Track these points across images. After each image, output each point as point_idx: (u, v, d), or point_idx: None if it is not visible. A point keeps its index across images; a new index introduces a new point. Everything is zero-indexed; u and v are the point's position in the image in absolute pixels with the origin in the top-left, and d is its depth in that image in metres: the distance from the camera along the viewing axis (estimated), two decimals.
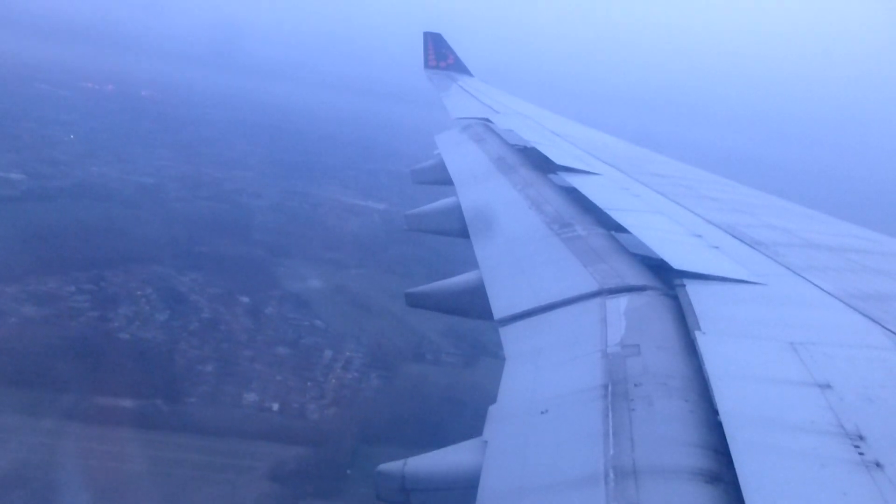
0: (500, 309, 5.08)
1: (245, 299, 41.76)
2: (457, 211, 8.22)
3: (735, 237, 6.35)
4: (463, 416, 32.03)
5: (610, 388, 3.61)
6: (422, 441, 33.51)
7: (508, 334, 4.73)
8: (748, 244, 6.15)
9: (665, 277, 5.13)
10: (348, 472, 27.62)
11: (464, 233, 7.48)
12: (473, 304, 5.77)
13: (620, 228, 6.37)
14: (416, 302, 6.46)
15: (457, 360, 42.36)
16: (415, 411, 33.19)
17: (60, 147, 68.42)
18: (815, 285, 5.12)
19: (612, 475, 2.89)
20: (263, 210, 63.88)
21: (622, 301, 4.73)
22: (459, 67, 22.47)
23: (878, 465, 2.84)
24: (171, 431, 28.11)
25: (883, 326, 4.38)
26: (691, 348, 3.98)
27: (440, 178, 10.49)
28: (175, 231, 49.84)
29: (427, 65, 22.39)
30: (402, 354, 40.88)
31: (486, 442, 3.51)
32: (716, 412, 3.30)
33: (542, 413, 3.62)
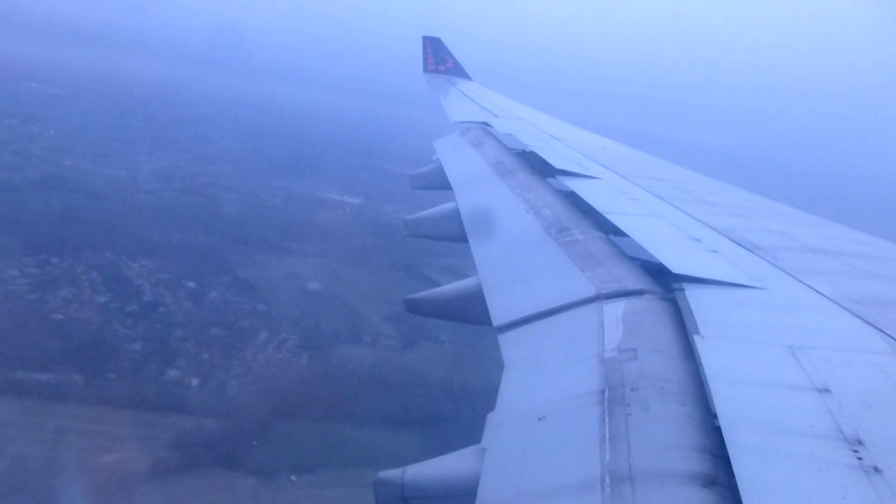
0: (498, 316, 5.08)
1: (191, 284, 42.00)
2: (455, 216, 8.22)
3: (734, 241, 6.35)
4: (381, 395, 34.33)
5: (606, 392, 3.61)
6: (333, 416, 31.57)
7: (507, 341, 4.73)
8: (747, 248, 6.15)
9: (663, 281, 5.13)
10: (254, 443, 28.14)
11: (463, 238, 7.48)
12: (472, 310, 5.77)
13: (619, 232, 6.37)
14: (414, 308, 6.46)
15: (395, 344, 42.67)
16: (335, 389, 33.90)
17: (38, 142, 68.34)
18: (814, 290, 5.12)
19: (607, 480, 2.89)
20: (233, 202, 64.03)
21: (619, 305, 4.73)
22: (458, 71, 22.49)
23: (876, 469, 2.83)
24: (82, 404, 28.44)
25: (881, 331, 4.38)
26: (688, 352, 3.98)
27: (439, 184, 10.48)
28: (136, 221, 50.04)
29: (426, 69, 22.41)
30: (339, 337, 41.24)
31: (484, 449, 3.51)
32: (713, 416, 3.30)
33: (539, 419, 3.62)
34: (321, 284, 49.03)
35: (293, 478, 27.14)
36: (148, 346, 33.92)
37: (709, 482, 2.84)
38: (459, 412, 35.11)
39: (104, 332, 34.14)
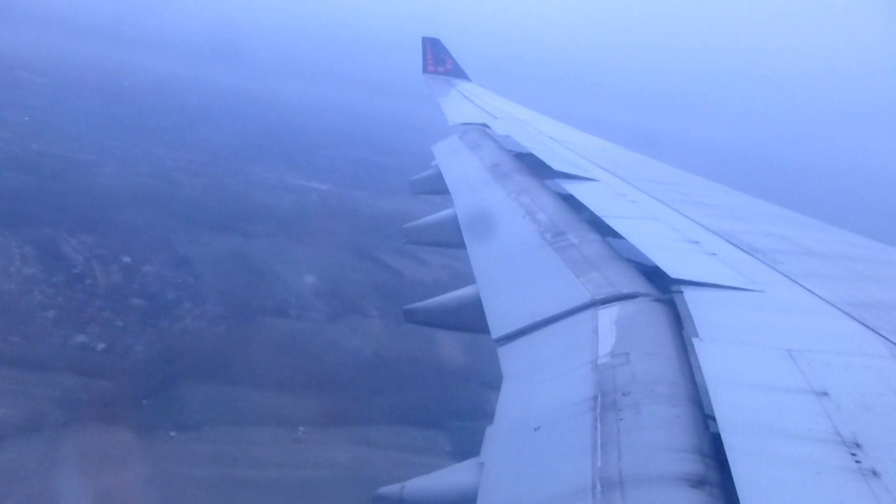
0: (496, 328, 5.08)
1: (126, 259, 42.35)
2: (453, 223, 8.21)
3: (732, 244, 6.36)
4: (286, 361, 35.21)
5: (599, 399, 3.62)
6: (231, 380, 32.31)
7: (504, 353, 4.73)
8: (746, 251, 6.16)
9: (661, 283, 5.14)
10: (143, 402, 28.79)
11: (461, 244, 7.48)
12: (470, 319, 5.78)
13: (617, 235, 6.37)
14: (413, 318, 6.46)
15: (321, 317, 43.37)
16: (242, 356, 34.63)
17: (10, 127, 68.08)
18: (813, 293, 5.12)
19: (598, 487, 2.90)
20: (195, 186, 64.10)
21: (613, 310, 4.73)
22: (457, 72, 22.50)
23: (874, 472, 2.84)
24: None
25: (880, 334, 4.39)
26: (680, 353, 3.99)
27: (438, 188, 10.47)
28: (88, 200, 50.14)
29: (425, 69, 22.41)
30: (265, 310, 41.85)
31: (482, 463, 3.53)
32: (707, 417, 3.31)
33: (534, 430, 3.63)
34: (261, 262, 49.62)
35: (173, 433, 27.68)
36: (63, 314, 34.31)
37: (698, 482, 2.84)
38: (359, 379, 36.34)
39: (21, 301, 34.71)
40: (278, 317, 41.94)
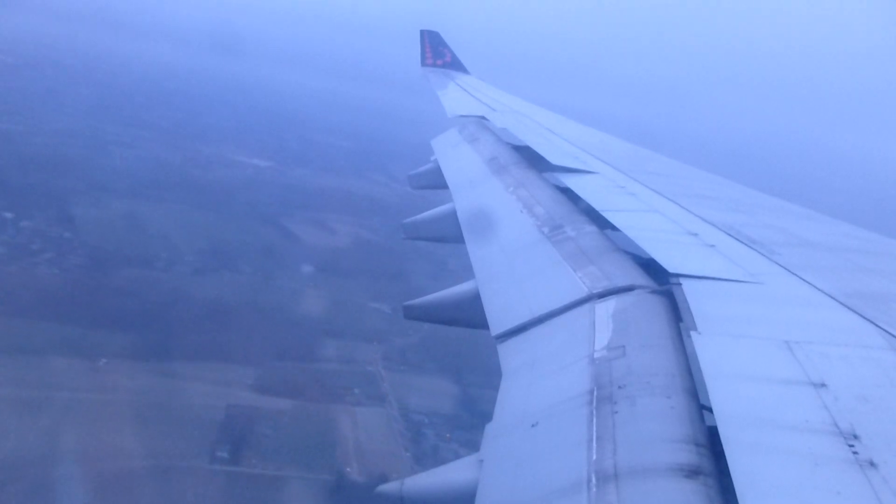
0: (495, 325, 5.08)
1: (9, 214, 43.76)
2: (452, 218, 8.19)
3: (731, 236, 6.34)
4: (122, 304, 37.33)
5: (595, 392, 3.63)
6: (55, 317, 35.85)
7: (503, 350, 4.74)
8: (745, 243, 6.14)
9: (658, 275, 5.13)
10: None
11: (460, 239, 7.47)
12: (470, 315, 5.78)
13: (615, 229, 6.36)
14: (412, 314, 6.47)
15: (187, 271, 44.97)
16: (79, 297, 36.69)
17: None
18: (811, 285, 5.12)
19: (593, 480, 2.91)
20: (123, 157, 64.99)
21: (610, 304, 4.74)
22: (456, 65, 22.41)
23: (871, 463, 2.84)
24: None
25: (878, 326, 4.38)
26: (677, 345, 4.00)
27: (438, 183, 10.44)
28: None
29: (424, 62, 22.32)
30: (130, 262, 43.18)
31: (481, 460, 3.55)
32: (704, 408, 3.32)
33: (532, 426, 3.64)
34: (155, 223, 50.64)
35: None
36: None
37: (692, 472, 2.84)
38: (188, 322, 38.25)
39: None
40: (141, 268, 43.45)
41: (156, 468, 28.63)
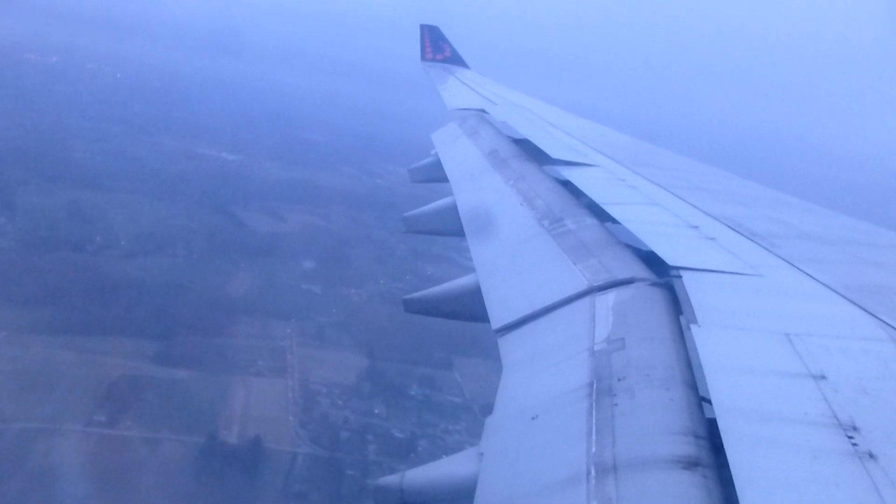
0: (496, 318, 5.07)
1: None
2: (452, 211, 8.18)
3: (732, 229, 6.33)
4: (38, 280, 38.96)
5: (595, 385, 3.63)
6: None
7: (504, 344, 4.73)
8: (745, 236, 6.13)
9: (658, 267, 5.12)
10: None
11: (461, 233, 7.46)
12: (471, 308, 5.77)
13: (615, 221, 6.35)
14: (412, 307, 6.46)
15: (118, 253, 46.47)
16: None
17: None
18: (812, 277, 5.11)
19: (592, 472, 2.91)
20: (87, 151, 65.74)
21: (610, 296, 4.72)
22: (456, 60, 22.33)
23: (871, 455, 2.83)
24: None
25: (878, 318, 4.38)
26: (676, 337, 3.99)
27: (438, 176, 10.42)
28: None
29: (423, 57, 22.25)
30: (59, 245, 44.72)
31: (482, 453, 3.55)
32: (703, 401, 3.31)
33: (532, 419, 3.65)
34: (98, 211, 51.64)
35: None
36: None
37: (691, 464, 2.84)
38: (101, 298, 39.74)
39: None
40: (70, 251, 44.79)
41: (27, 430, 29.92)
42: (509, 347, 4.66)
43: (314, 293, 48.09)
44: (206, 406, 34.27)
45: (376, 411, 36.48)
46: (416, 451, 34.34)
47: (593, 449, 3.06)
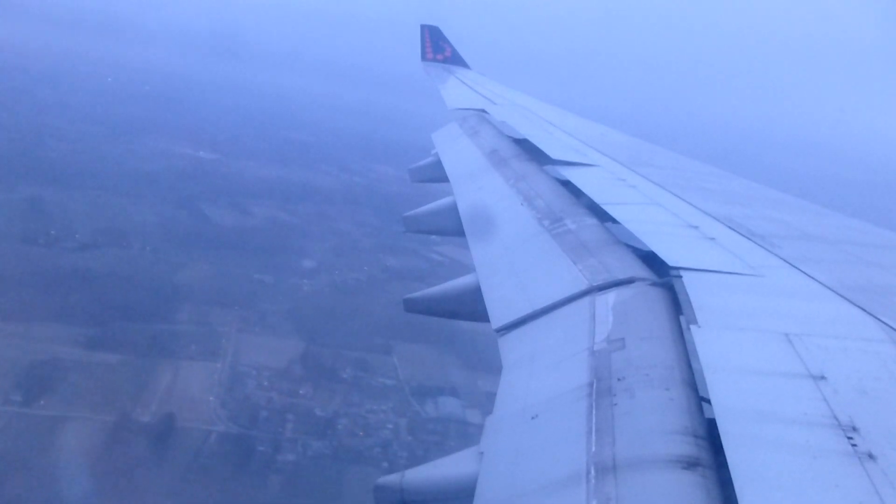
0: (496, 318, 5.07)
1: None
2: (452, 211, 8.18)
3: (731, 229, 6.33)
4: None
5: (594, 385, 3.63)
6: None
7: (504, 344, 4.73)
8: (745, 236, 6.13)
9: (658, 267, 5.12)
10: None
11: (461, 232, 7.46)
12: (472, 308, 5.78)
13: (615, 221, 6.35)
14: (413, 307, 6.47)
15: (72, 246, 46.73)
16: None
17: None
18: (811, 277, 5.11)
19: (592, 472, 2.91)
20: (59, 150, 65.63)
21: (610, 296, 4.72)
22: (457, 60, 22.32)
23: (870, 456, 2.83)
24: None
25: (878, 318, 4.37)
26: (676, 337, 3.99)
27: (438, 176, 10.42)
28: None
29: (424, 57, 22.24)
30: (11, 238, 45.36)
31: (482, 452, 3.55)
32: (703, 401, 3.31)
33: (532, 419, 3.65)
34: (58, 207, 51.77)
35: None
36: None
37: (691, 464, 2.84)
38: (43, 287, 40.01)
39: None
40: (19, 243, 45.15)
41: None
42: (509, 347, 4.66)
43: (265, 283, 48.11)
44: (128, 388, 34.36)
45: (301, 392, 36.56)
46: (335, 429, 34.37)
47: (593, 448, 3.07)
